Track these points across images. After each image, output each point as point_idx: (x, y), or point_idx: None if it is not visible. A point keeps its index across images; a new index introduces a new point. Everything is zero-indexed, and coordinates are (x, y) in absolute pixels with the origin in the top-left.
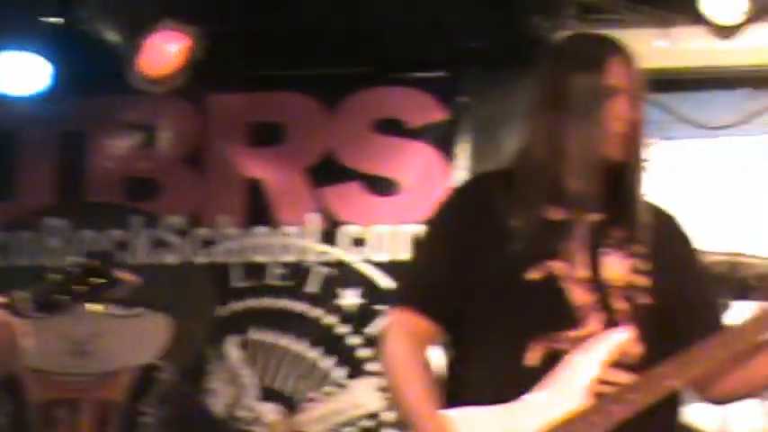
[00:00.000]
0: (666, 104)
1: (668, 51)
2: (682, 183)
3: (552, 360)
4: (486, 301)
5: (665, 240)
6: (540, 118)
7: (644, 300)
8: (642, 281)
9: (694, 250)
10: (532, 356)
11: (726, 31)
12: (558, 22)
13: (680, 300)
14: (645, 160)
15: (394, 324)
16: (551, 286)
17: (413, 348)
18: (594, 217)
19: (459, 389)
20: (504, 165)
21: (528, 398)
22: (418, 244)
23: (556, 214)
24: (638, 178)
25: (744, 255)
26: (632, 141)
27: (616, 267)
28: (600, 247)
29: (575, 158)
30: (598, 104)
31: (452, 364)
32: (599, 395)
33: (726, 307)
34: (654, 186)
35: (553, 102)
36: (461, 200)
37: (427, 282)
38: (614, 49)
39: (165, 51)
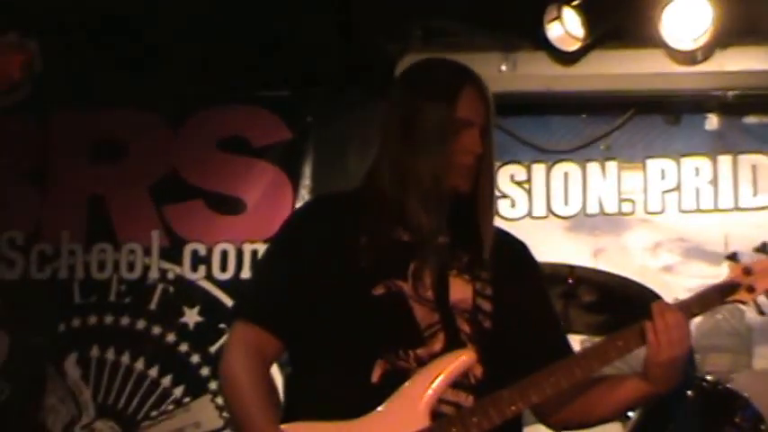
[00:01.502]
0: (508, 128)
1: (511, 75)
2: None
3: (396, 378)
4: (331, 316)
5: (512, 268)
6: (389, 144)
7: (486, 323)
8: (486, 305)
9: (542, 280)
10: (377, 374)
11: (568, 57)
12: (403, 44)
13: (522, 326)
14: (495, 191)
15: (235, 338)
16: (397, 303)
17: (254, 363)
18: (442, 240)
19: (300, 403)
20: (351, 187)
21: (370, 415)
22: (262, 260)
23: (403, 235)
24: (486, 207)
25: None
26: (481, 173)
27: (461, 290)
28: (446, 269)
29: (421, 189)
30: (447, 137)
31: (294, 379)
32: (441, 415)
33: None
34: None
35: (403, 129)
36: (308, 219)
37: (271, 297)
38: (468, 79)
39: (4, 65)
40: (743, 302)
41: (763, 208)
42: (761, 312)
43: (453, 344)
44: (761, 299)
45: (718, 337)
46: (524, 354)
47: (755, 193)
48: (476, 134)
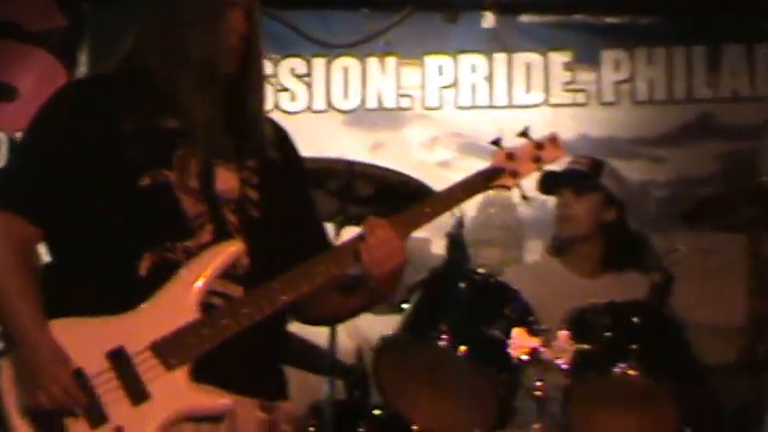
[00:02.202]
0: (289, 21)
1: None
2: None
3: (164, 270)
4: (94, 208)
5: (278, 157)
6: (156, 24)
7: (254, 213)
8: (253, 194)
9: (303, 170)
10: (144, 267)
11: None
12: None
13: (287, 216)
14: (264, 75)
15: None
16: (163, 195)
17: (12, 251)
18: (209, 128)
19: (64, 297)
20: (113, 68)
21: (139, 309)
22: (17, 148)
23: (170, 122)
24: (255, 92)
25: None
26: (248, 56)
27: (227, 179)
28: (213, 157)
29: (192, 71)
30: (216, 17)
31: (55, 270)
32: (211, 307)
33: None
34: (272, 101)
35: (170, 9)
36: (65, 103)
37: (25, 183)
38: None
39: None
40: (507, 188)
41: (535, 105)
42: (524, 197)
43: (221, 235)
44: (524, 184)
45: (491, 231)
46: (289, 244)
47: (528, 91)
48: (241, 14)
